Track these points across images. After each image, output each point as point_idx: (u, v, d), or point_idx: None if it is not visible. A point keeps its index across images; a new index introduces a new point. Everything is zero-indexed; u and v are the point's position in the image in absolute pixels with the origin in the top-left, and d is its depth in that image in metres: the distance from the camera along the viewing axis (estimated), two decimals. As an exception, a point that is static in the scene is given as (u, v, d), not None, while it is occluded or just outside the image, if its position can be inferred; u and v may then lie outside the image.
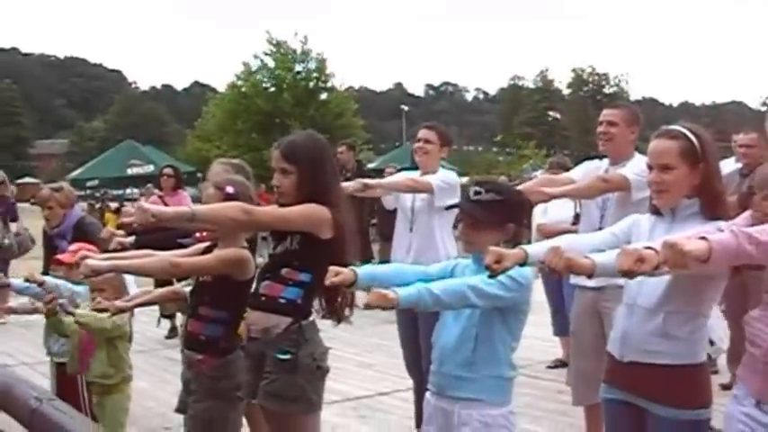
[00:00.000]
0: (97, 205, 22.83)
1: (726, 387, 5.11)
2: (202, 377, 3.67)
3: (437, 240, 4.90)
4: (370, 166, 21.47)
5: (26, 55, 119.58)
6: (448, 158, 5.34)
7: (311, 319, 3.41)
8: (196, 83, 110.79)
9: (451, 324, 2.97)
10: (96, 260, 3.65)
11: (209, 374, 3.66)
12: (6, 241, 9.33)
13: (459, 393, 2.91)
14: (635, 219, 2.95)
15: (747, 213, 2.63)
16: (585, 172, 4.58)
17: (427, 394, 3.08)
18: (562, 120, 69.00)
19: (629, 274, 2.29)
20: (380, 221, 10.08)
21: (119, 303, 4.07)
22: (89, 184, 25.37)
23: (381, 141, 49.73)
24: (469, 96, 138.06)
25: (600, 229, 3.78)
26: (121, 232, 4.77)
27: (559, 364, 6.88)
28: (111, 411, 4.44)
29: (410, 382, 5.28)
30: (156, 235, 4.34)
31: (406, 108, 70.05)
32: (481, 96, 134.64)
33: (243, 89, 34.73)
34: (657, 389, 2.72)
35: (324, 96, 35.18)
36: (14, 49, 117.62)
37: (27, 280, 4.52)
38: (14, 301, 6.05)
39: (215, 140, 33.79)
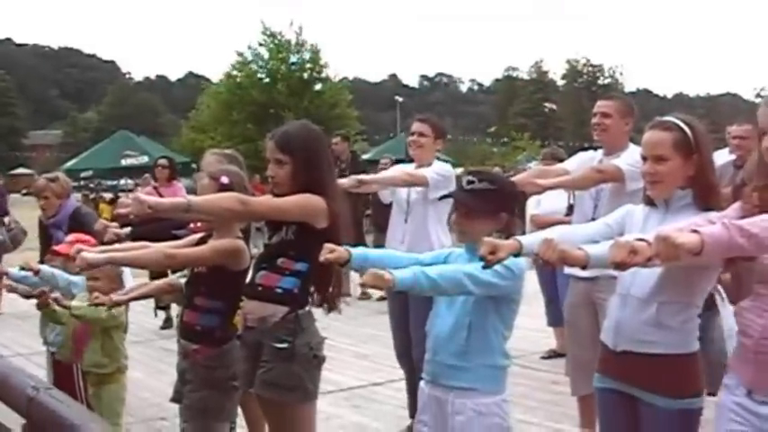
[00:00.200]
0: (91, 196, 22.81)
1: None
2: (198, 367, 3.68)
3: (430, 231, 4.91)
4: (365, 157, 21.50)
5: (20, 45, 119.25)
6: (442, 150, 5.34)
7: (308, 308, 3.43)
8: (190, 73, 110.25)
9: (445, 313, 2.98)
10: (92, 253, 3.66)
11: (205, 364, 3.67)
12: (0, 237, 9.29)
13: (453, 382, 2.92)
14: (628, 209, 2.96)
15: (738, 204, 2.63)
16: (580, 163, 4.60)
17: (422, 383, 3.09)
18: (557, 111, 68.95)
19: (621, 266, 2.31)
20: (375, 212, 10.08)
21: (115, 297, 4.06)
22: (83, 174, 25.37)
23: (376, 132, 49.62)
24: (464, 87, 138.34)
25: (593, 219, 3.80)
26: (115, 224, 4.77)
27: (553, 354, 6.90)
28: (107, 401, 4.44)
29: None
30: (152, 226, 4.34)
31: (400, 99, 69.92)
32: (476, 87, 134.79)
33: (237, 80, 34.67)
34: (650, 378, 2.74)
35: (318, 87, 35.15)
36: (8, 40, 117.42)
37: (23, 268, 4.53)
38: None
39: (209, 131, 33.78)
